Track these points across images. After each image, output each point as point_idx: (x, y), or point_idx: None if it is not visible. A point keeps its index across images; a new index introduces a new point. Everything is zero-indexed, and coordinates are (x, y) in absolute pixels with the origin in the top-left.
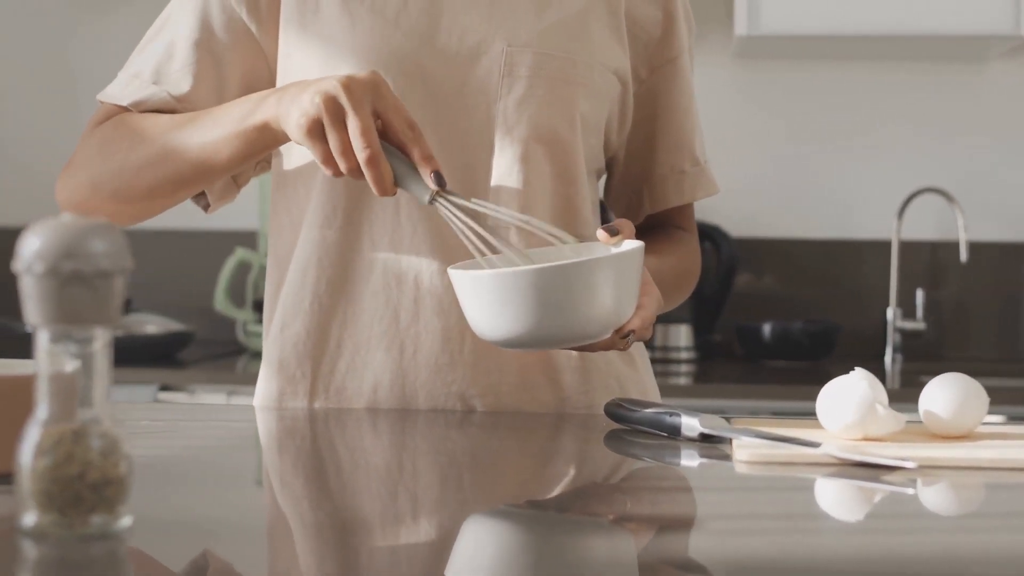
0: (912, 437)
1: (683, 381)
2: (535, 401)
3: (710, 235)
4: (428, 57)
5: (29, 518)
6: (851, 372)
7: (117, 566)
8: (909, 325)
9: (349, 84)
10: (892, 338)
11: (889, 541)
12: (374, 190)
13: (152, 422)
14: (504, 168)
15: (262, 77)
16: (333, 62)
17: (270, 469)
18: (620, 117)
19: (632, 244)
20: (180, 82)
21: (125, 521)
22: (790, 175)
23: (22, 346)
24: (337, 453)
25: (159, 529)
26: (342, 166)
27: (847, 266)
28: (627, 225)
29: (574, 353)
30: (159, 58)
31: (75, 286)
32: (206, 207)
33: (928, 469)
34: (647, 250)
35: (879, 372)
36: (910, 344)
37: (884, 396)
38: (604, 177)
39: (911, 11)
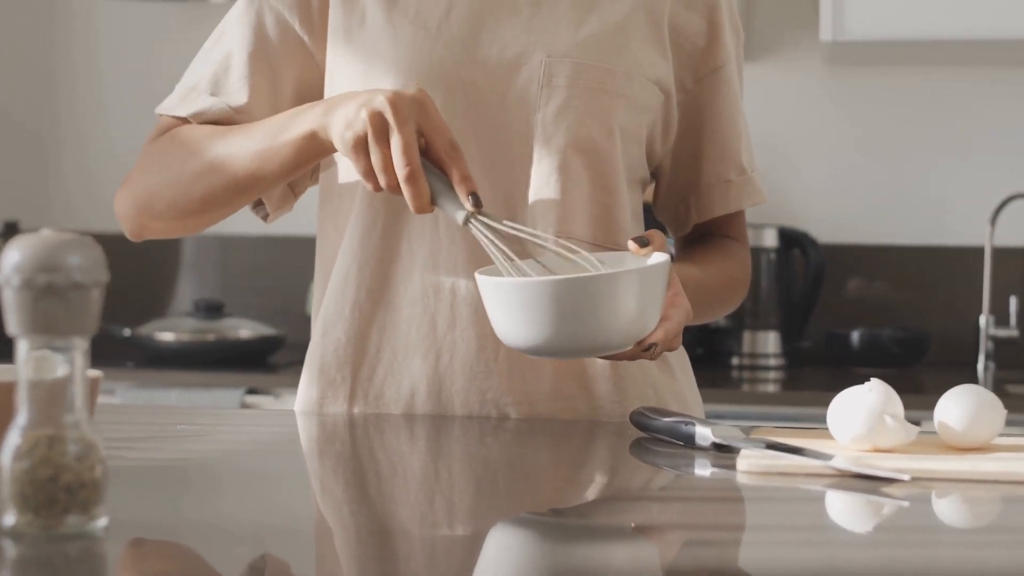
0: (924, 449)
1: (771, 388)
2: (569, 410)
3: (798, 241)
4: (468, 68)
5: (8, 519)
6: (866, 383)
7: (91, 565)
8: (1002, 333)
9: (396, 101)
10: (984, 346)
11: (874, 553)
12: (411, 207)
13: (189, 426)
14: (542, 178)
15: (315, 87)
16: (375, 72)
17: (310, 473)
18: (664, 127)
19: (658, 258)
20: (238, 93)
21: (100, 522)
22: (880, 181)
23: (118, 349)
24: (376, 458)
25: (204, 531)
26: (382, 181)
27: (938, 272)
28: (657, 236)
29: (608, 362)
30: (216, 70)
31: (50, 298)
32: (265, 217)
33: (928, 482)
34: (690, 260)
35: (971, 380)
36: (1003, 352)
37: (898, 407)
38: (652, 187)
39: (1002, 15)
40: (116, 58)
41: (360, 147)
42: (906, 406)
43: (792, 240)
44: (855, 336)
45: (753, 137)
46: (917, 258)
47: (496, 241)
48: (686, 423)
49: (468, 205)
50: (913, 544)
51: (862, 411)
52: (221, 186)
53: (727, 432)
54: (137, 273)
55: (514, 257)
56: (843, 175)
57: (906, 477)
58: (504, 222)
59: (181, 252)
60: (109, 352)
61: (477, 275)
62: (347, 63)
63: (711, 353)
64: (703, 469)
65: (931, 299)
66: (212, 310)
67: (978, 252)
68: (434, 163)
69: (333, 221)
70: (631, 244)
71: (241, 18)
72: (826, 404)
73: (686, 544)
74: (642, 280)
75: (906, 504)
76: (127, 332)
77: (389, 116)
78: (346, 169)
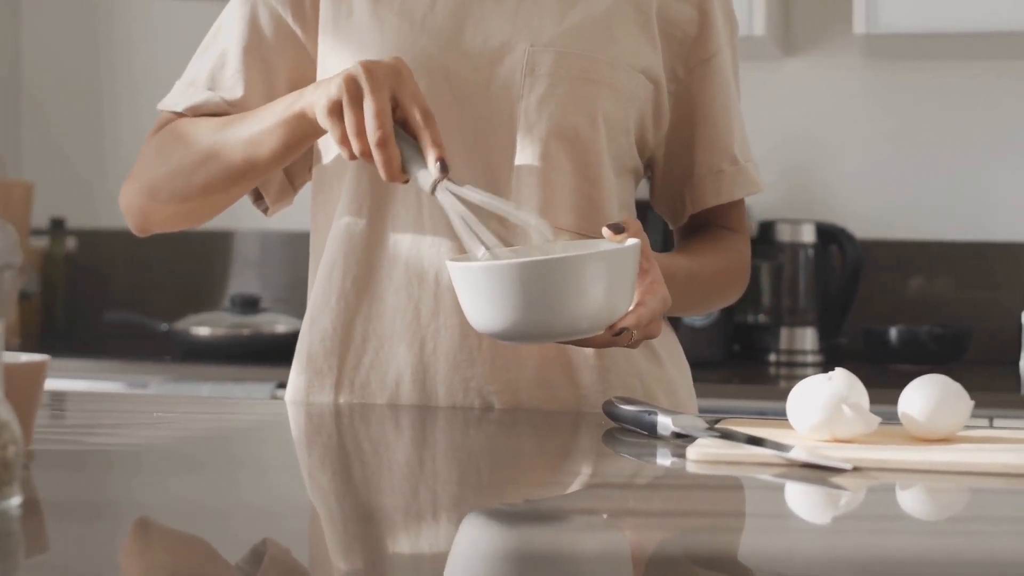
0: (885, 439)
1: None
2: (553, 399)
3: (835, 237)
4: (453, 58)
5: None
6: (830, 372)
7: (3, 543)
8: None
9: (371, 67)
10: None
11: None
12: (382, 174)
13: (173, 414)
14: (525, 166)
15: (309, 79)
16: None
17: (300, 462)
18: (655, 117)
19: (628, 242)
20: (233, 87)
21: (14, 500)
22: (919, 175)
23: (156, 343)
24: (361, 448)
25: (198, 515)
26: (355, 147)
27: (979, 268)
28: (633, 223)
29: (592, 351)
30: (213, 65)
31: None
32: (265, 210)
33: (876, 472)
34: (683, 250)
35: (1013, 377)
36: None
37: (861, 397)
38: (649, 178)
39: None
40: (164, 57)
41: (335, 112)
42: None
43: (829, 236)
44: (893, 333)
45: (790, 132)
46: (957, 254)
47: (461, 210)
48: (649, 413)
49: (435, 171)
50: (850, 531)
51: (819, 401)
52: (219, 174)
53: (686, 422)
54: (177, 268)
55: (477, 227)
56: (881, 170)
57: (848, 466)
58: (469, 187)
59: (221, 247)
60: (147, 346)
61: (447, 261)
62: (336, 55)
63: (748, 349)
64: (660, 458)
65: (971, 296)
66: (248, 305)
67: (1019, 248)
68: (408, 131)
69: (324, 211)
70: (605, 230)
71: (236, 13)
72: None
73: (610, 528)
74: (609, 263)
75: (848, 492)
76: (164, 326)
77: (363, 82)
78: (334, 157)
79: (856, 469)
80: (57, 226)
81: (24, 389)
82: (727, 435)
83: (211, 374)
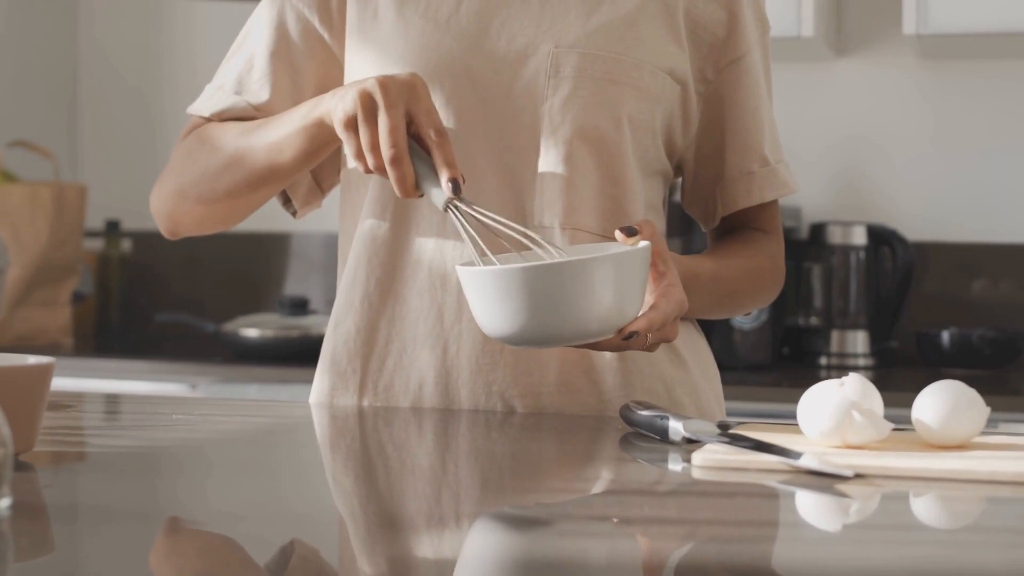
0: (897, 446)
1: None
2: (576, 403)
3: (886, 239)
4: (477, 60)
5: None
6: (843, 377)
7: None
8: None
9: (386, 83)
10: None
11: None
12: (396, 190)
13: (184, 415)
14: (549, 168)
15: (337, 83)
16: (387, 67)
17: (325, 465)
18: (683, 119)
19: (640, 245)
20: (259, 92)
21: (3, 502)
22: (970, 176)
23: (206, 344)
24: (384, 451)
25: (223, 517)
26: (369, 162)
27: None
28: (648, 226)
29: (615, 355)
30: (240, 69)
31: None
32: (294, 213)
33: (880, 480)
34: (711, 253)
35: None
36: None
37: (874, 403)
38: (680, 180)
39: None
40: (218, 60)
41: (351, 127)
42: (995, 408)
43: (881, 238)
44: (945, 336)
45: (842, 133)
46: (1011, 256)
47: (472, 231)
48: (661, 417)
49: (448, 191)
50: (850, 540)
51: (829, 406)
52: (242, 178)
53: (697, 427)
54: (230, 270)
55: (487, 251)
56: (933, 171)
57: (849, 473)
58: (480, 210)
59: (274, 249)
60: (197, 347)
61: (457, 266)
62: (361, 59)
63: (798, 352)
64: (671, 463)
65: None
66: (297, 307)
67: None
68: (422, 148)
69: (351, 213)
70: (618, 233)
71: (264, 18)
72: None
73: (606, 536)
74: (617, 266)
75: (849, 500)
76: (214, 328)
77: (378, 98)
78: None
79: (859, 476)
80: (112, 228)
81: (29, 391)
82: (736, 440)
83: (259, 375)
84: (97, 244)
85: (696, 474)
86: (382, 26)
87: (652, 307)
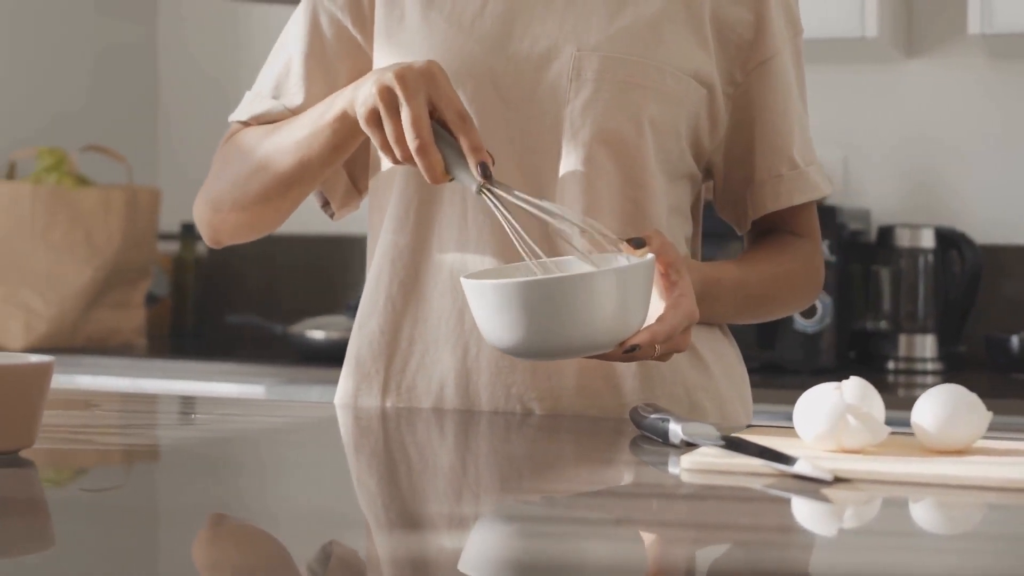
0: (895, 450)
1: None
2: (595, 407)
3: (955, 242)
4: (499, 63)
5: None
6: (842, 380)
7: None
8: None
9: (403, 74)
10: None
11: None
12: (426, 178)
13: (205, 415)
14: (569, 171)
15: None
16: None
17: (349, 465)
18: (710, 122)
19: (643, 259)
20: (295, 95)
21: None
22: None
23: (275, 345)
24: (407, 452)
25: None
26: (397, 154)
27: None
28: (656, 237)
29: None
30: (278, 73)
31: None
32: (332, 215)
33: (868, 484)
34: (739, 258)
35: None
36: None
37: (873, 406)
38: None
39: None
40: None
41: (374, 121)
42: None
43: (949, 241)
44: (1015, 341)
45: (910, 135)
46: None
47: (507, 213)
48: (663, 420)
49: (478, 176)
50: (825, 546)
51: (824, 410)
52: (273, 180)
53: (696, 430)
54: (302, 273)
55: (522, 233)
56: (1003, 173)
57: (829, 477)
58: (515, 193)
59: (346, 252)
60: (265, 348)
61: (461, 278)
62: (386, 60)
63: (865, 357)
64: (665, 466)
65: None
66: None
67: None
68: (447, 132)
69: (377, 216)
70: (623, 244)
71: (299, 22)
72: None
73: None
74: (619, 281)
75: (831, 505)
76: (282, 329)
77: (398, 90)
78: (383, 159)
79: (839, 480)
80: (188, 231)
81: (30, 389)
82: (732, 444)
83: (322, 377)
84: (173, 247)
85: (684, 477)
86: (407, 28)
87: (659, 319)
